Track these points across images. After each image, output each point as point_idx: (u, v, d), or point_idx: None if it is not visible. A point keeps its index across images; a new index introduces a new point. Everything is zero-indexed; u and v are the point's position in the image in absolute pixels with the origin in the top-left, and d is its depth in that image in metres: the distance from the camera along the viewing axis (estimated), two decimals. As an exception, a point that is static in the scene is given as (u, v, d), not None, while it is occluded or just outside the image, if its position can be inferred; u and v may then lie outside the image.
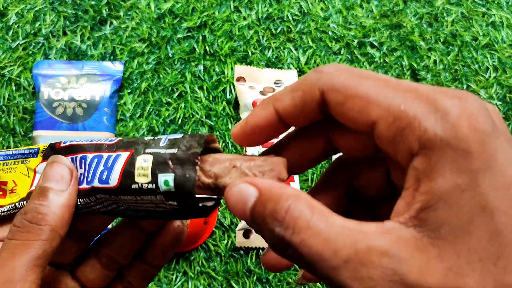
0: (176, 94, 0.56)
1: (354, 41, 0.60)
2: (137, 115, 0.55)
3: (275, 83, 0.56)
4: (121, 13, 0.59)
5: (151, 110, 0.55)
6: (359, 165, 0.21)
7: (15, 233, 0.21)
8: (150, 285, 0.49)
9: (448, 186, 0.14)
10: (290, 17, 0.61)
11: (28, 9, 0.58)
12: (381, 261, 0.14)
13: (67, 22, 0.58)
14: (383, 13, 0.62)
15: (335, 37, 0.60)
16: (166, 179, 0.19)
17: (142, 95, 0.56)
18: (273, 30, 0.60)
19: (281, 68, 0.58)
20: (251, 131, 0.20)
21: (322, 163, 0.55)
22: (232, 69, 0.57)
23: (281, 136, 0.21)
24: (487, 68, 0.61)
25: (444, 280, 0.14)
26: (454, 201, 0.14)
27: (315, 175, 0.54)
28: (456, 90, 0.16)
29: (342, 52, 0.60)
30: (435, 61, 0.61)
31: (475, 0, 0.65)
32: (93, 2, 0.59)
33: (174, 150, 0.20)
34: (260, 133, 0.20)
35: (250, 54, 0.58)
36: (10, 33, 0.57)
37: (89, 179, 0.22)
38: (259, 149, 0.51)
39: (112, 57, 0.57)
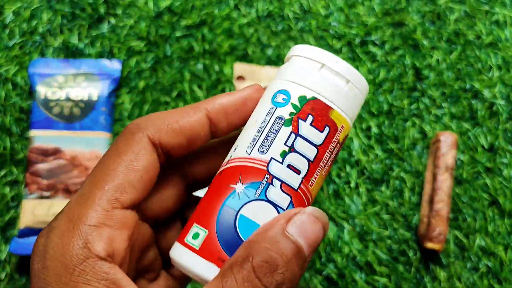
0: (175, 93, 0.55)
1: (355, 39, 0.60)
2: (135, 115, 0.54)
3: (275, 82, 0.55)
4: (119, 11, 0.58)
5: (149, 109, 0.55)
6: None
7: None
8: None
9: None
10: (290, 15, 0.60)
11: (24, 8, 0.57)
12: None
13: (64, 21, 0.57)
14: (385, 11, 0.62)
15: (337, 36, 0.60)
16: None
17: (140, 94, 0.55)
18: (274, 28, 0.59)
19: (281, 67, 0.57)
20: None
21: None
22: (231, 67, 0.56)
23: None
24: (491, 67, 0.60)
25: None
26: None
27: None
28: None
29: (343, 51, 0.59)
30: (438, 60, 0.60)
31: (479, -2, 0.64)
32: (90, 0, 0.58)
33: None
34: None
35: (250, 52, 0.58)
36: (7, 31, 0.56)
37: None
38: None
39: (109, 56, 0.56)
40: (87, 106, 0.52)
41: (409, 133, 0.56)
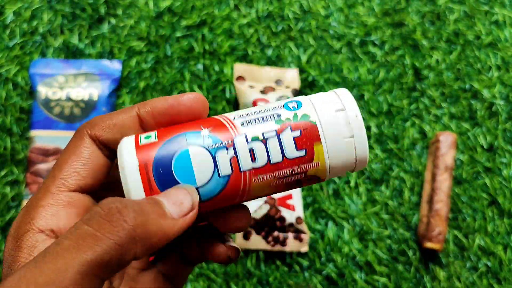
0: (175, 93, 0.55)
1: (355, 39, 0.60)
2: (136, 115, 0.54)
3: (275, 82, 0.55)
4: (119, 12, 0.58)
5: (149, 109, 0.55)
6: None
7: (94, 217, 0.18)
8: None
9: None
10: (290, 16, 0.60)
11: (25, 8, 0.57)
12: None
13: (65, 21, 0.57)
14: (385, 12, 0.62)
15: (336, 36, 0.60)
16: None
17: (140, 95, 0.55)
18: (274, 29, 0.59)
19: (282, 67, 0.57)
20: None
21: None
22: (231, 68, 0.56)
23: None
24: (490, 67, 0.60)
25: None
26: None
27: (316, 175, 0.53)
28: None
29: (343, 51, 0.59)
30: (437, 60, 0.60)
31: (478, -2, 0.64)
32: (91, 1, 0.58)
33: None
34: None
35: (250, 53, 0.58)
36: (7, 32, 0.56)
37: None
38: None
39: (110, 56, 0.56)
40: (88, 106, 0.52)
41: (408, 133, 0.56)
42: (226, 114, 0.23)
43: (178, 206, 0.20)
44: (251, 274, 0.50)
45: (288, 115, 0.23)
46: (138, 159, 0.21)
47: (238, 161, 0.22)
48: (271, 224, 0.49)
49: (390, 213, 0.53)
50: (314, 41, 0.59)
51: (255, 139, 0.22)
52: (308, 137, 0.22)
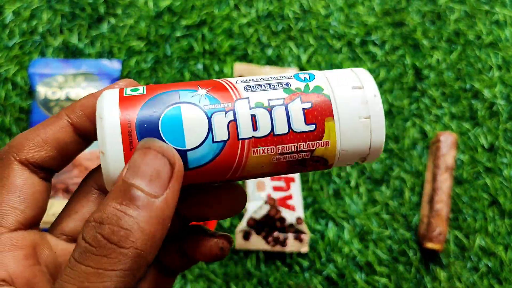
0: (175, 93, 0.55)
1: (355, 39, 0.59)
2: (135, 115, 0.54)
3: (275, 82, 0.55)
4: (119, 11, 0.58)
5: (149, 109, 0.54)
6: None
7: (87, 255, 0.16)
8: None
9: None
10: (290, 15, 0.60)
11: (25, 7, 0.57)
12: None
13: (64, 20, 0.57)
14: (385, 11, 0.62)
15: (337, 36, 0.60)
16: None
17: (140, 95, 0.55)
18: (274, 28, 0.59)
19: (282, 66, 0.57)
20: None
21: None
22: (231, 67, 0.56)
23: None
24: (491, 67, 0.60)
25: None
26: None
27: (315, 175, 0.53)
28: None
29: (343, 51, 0.59)
30: (438, 60, 0.60)
31: (479, -2, 0.64)
32: (90, 0, 0.58)
33: None
34: None
35: (250, 52, 0.57)
36: (7, 31, 0.56)
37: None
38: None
39: (109, 56, 0.56)
40: (87, 106, 0.52)
41: (409, 133, 0.56)
42: (228, 78, 0.20)
43: (156, 179, 0.17)
44: (251, 275, 0.49)
45: (298, 85, 0.20)
46: (121, 111, 0.18)
47: (237, 126, 0.19)
48: (271, 224, 0.49)
49: (391, 213, 0.53)
50: (314, 40, 0.59)
51: (259, 105, 0.19)
52: (320, 111, 0.19)
